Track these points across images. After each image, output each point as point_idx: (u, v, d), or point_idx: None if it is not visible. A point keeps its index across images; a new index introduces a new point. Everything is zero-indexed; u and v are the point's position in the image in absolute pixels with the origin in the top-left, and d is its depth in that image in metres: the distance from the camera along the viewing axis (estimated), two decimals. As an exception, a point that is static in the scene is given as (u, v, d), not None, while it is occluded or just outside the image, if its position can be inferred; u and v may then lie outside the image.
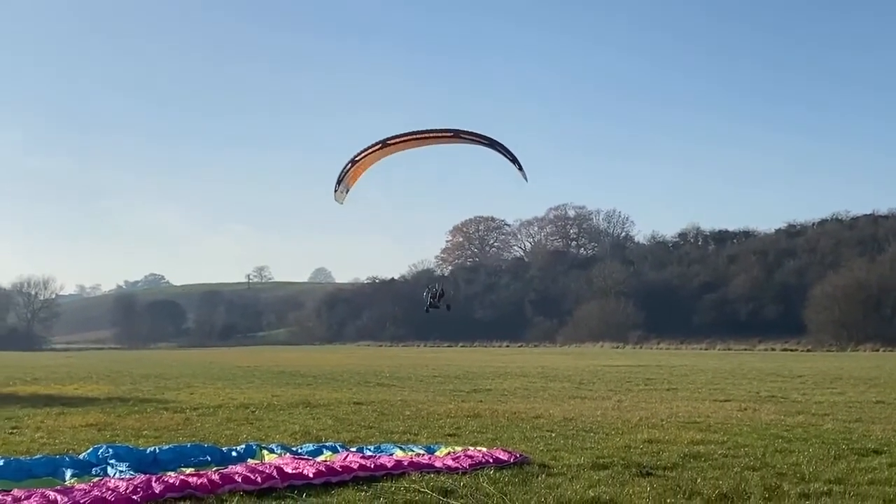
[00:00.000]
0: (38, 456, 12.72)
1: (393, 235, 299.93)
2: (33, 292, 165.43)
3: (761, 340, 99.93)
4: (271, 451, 13.66)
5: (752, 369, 46.46)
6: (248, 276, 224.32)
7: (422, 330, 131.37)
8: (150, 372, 44.10)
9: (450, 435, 17.07)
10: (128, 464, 11.93)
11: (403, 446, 14.36)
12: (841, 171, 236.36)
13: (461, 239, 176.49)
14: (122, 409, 22.97)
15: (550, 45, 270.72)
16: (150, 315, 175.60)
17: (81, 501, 9.39)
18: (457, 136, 20.43)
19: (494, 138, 20.51)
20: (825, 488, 10.64)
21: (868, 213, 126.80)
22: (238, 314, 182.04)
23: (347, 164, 20.76)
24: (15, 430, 17.80)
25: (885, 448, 14.40)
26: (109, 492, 9.84)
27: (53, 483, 10.87)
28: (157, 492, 9.95)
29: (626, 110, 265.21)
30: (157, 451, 13.16)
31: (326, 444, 14.89)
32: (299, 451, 13.87)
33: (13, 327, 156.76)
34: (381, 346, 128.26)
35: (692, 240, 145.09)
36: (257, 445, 14.11)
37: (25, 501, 9.47)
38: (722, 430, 17.41)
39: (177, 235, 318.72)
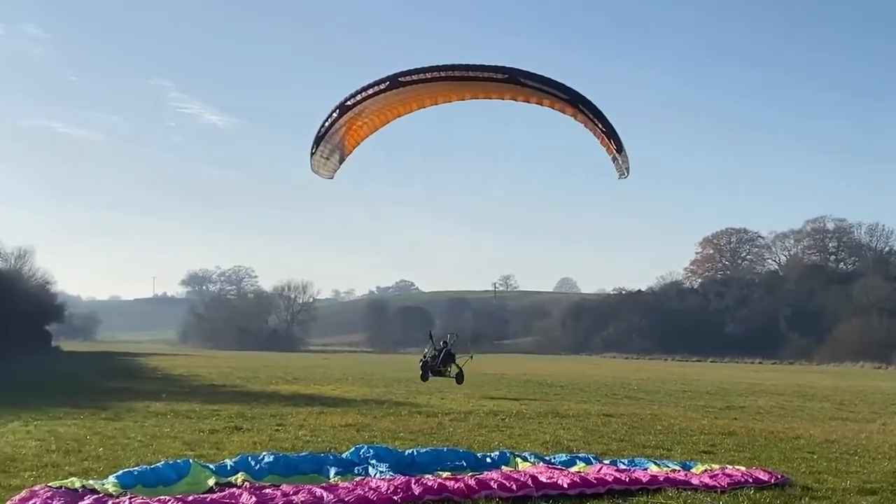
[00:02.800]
0: (303, 453, 13.85)
1: (638, 245, 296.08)
2: (293, 296, 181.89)
3: None
4: (525, 459, 13.87)
5: None
6: (494, 284, 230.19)
7: (669, 343, 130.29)
8: (401, 375, 46.55)
9: (704, 452, 17.00)
10: (387, 464, 12.60)
11: (658, 461, 14.18)
12: None
13: (711, 251, 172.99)
14: (377, 410, 24.50)
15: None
16: (401, 320, 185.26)
17: (346, 499, 10.05)
18: (514, 81, 14.75)
19: (580, 93, 14.87)
20: None
21: None
22: (484, 321, 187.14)
23: (334, 113, 15.84)
24: (280, 427, 19.59)
25: None
26: (371, 491, 10.44)
27: (318, 480, 11.76)
28: (416, 493, 10.44)
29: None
30: (415, 453, 13.84)
31: (579, 454, 14.93)
32: (552, 460, 13.97)
33: (274, 329, 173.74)
34: (627, 358, 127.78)
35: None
36: (511, 453, 14.37)
37: (294, 496, 10.21)
38: None
39: (425, 243, 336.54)
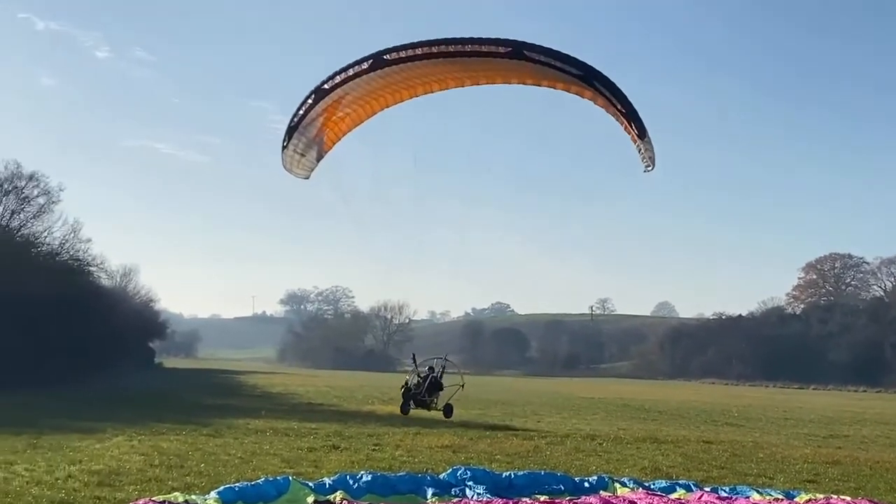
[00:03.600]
0: (401, 473, 13.91)
1: (737, 270, 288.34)
2: (389, 316, 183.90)
3: None
4: (623, 484, 13.62)
5: None
6: (591, 307, 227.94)
7: (770, 369, 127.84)
8: (497, 398, 46.46)
9: (808, 481, 16.81)
10: (485, 486, 12.54)
11: (760, 489, 13.85)
12: None
13: (815, 276, 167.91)
14: (473, 432, 24.54)
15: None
16: (496, 342, 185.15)
17: None
18: (520, 56, 12.37)
19: (596, 69, 12.78)
20: None
21: None
22: (581, 345, 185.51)
23: (309, 98, 13.36)
24: (377, 447, 19.87)
25: None
26: None
27: (416, 500, 11.88)
28: None
29: None
30: (512, 475, 13.71)
31: (679, 481, 14.64)
32: (652, 486, 13.69)
33: (370, 349, 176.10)
34: (726, 384, 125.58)
35: None
36: (609, 478, 14.07)
37: None
38: None
39: (520, 265, 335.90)
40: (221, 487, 11.46)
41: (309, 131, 13.75)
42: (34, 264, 50.42)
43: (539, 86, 13.28)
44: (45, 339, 44.71)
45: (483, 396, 49.07)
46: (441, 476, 13.48)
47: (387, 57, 12.55)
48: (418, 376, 27.15)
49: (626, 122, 12.78)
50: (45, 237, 55.51)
